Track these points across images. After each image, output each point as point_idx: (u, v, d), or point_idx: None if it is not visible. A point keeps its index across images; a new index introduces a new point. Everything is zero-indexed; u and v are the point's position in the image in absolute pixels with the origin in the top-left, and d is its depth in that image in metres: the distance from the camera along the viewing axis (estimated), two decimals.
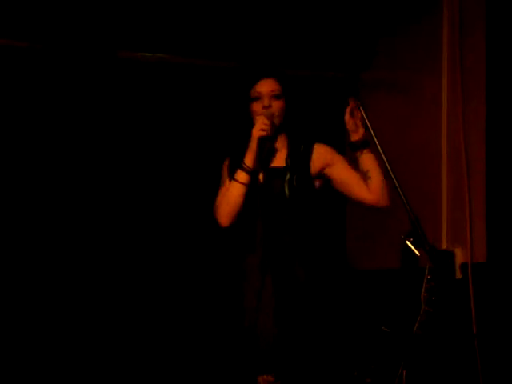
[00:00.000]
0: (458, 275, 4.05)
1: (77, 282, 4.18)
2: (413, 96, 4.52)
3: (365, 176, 3.09)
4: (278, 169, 3.13)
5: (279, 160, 3.15)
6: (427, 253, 2.79)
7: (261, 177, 3.12)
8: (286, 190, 3.08)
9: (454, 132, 4.20)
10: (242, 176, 3.07)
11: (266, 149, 3.11)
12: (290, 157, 3.13)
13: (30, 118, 4.21)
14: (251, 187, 3.09)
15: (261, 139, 3.05)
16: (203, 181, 4.09)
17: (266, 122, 3.05)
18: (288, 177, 3.09)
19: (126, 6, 4.20)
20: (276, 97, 3.12)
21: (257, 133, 3.04)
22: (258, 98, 3.12)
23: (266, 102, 3.10)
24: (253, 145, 3.05)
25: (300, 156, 3.14)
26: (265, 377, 3.04)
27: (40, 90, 4.23)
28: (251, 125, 3.10)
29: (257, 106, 3.12)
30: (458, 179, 4.13)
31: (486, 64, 4.01)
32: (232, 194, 3.08)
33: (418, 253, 2.78)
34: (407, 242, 2.79)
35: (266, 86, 3.13)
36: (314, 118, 4.87)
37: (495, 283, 3.87)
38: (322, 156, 3.15)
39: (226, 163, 3.22)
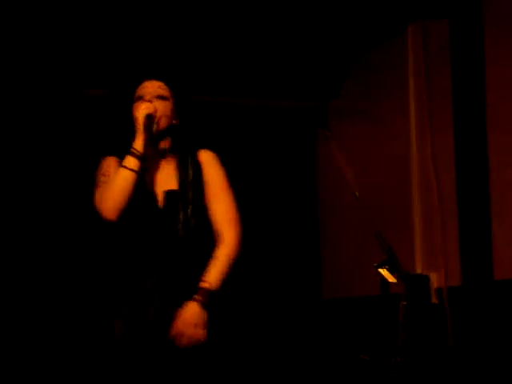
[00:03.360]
0: (434, 300, 4.05)
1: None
2: (381, 123, 4.55)
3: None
4: (174, 192, 2.90)
5: (173, 181, 2.92)
6: (401, 279, 2.80)
7: (160, 201, 2.91)
8: (180, 227, 2.87)
9: (423, 157, 4.22)
10: (130, 161, 2.80)
11: (154, 132, 2.84)
12: (180, 178, 2.91)
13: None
14: (151, 211, 2.87)
15: (147, 119, 2.81)
16: None
17: (148, 104, 2.84)
18: (182, 216, 2.87)
19: (91, 45, 4.22)
20: (160, 97, 2.90)
21: (141, 112, 2.81)
22: (142, 97, 2.90)
23: (147, 98, 2.88)
24: (139, 127, 2.81)
25: (191, 175, 2.92)
26: None
27: (11, 129, 4.25)
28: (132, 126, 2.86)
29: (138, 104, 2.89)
30: (430, 204, 4.15)
31: (452, 89, 4.05)
32: (118, 181, 2.80)
33: (390, 280, 2.78)
34: (380, 270, 2.80)
35: (149, 87, 2.92)
36: (282, 150, 4.90)
37: (471, 307, 3.88)
38: (205, 165, 2.95)
39: (104, 162, 2.94)
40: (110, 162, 2.93)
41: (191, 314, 2.78)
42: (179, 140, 2.95)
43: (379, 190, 4.38)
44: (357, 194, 2.74)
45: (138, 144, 2.81)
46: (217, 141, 4.14)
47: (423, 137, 4.21)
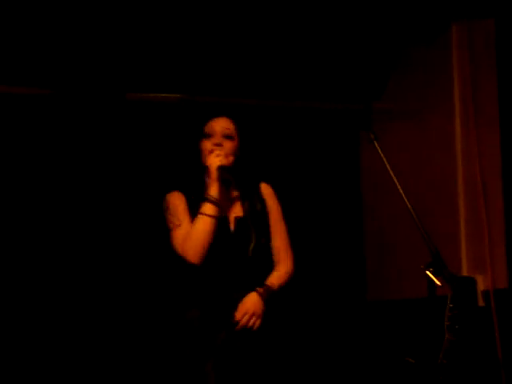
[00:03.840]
0: (481, 303, 4.01)
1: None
2: (425, 125, 4.52)
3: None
4: (244, 218, 3.19)
5: (240, 208, 3.22)
6: (447, 281, 2.78)
7: (232, 225, 3.16)
8: (250, 249, 3.16)
9: (469, 158, 4.19)
10: (209, 208, 3.07)
11: (226, 179, 3.13)
12: (245, 206, 3.21)
13: (41, 163, 4.27)
14: (224, 235, 3.12)
15: (220, 168, 3.08)
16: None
17: (219, 152, 3.10)
18: (252, 239, 3.16)
19: (130, 49, 4.26)
20: (228, 137, 3.16)
21: (214, 162, 3.08)
22: (211, 136, 3.16)
23: (217, 139, 3.15)
24: (213, 175, 3.08)
25: (255, 204, 3.22)
26: None
27: (51, 135, 4.29)
28: (199, 160, 3.16)
29: (208, 144, 3.16)
30: (476, 205, 4.11)
31: (498, 90, 4.01)
32: (200, 228, 3.07)
33: (437, 282, 2.76)
34: (427, 272, 2.78)
35: (219, 125, 3.18)
36: (325, 152, 4.89)
37: None
38: (266, 197, 3.25)
39: (172, 199, 3.19)
40: (176, 200, 3.19)
41: (251, 303, 3.08)
42: (242, 171, 3.22)
43: (424, 192, 4.35)
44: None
45: (214, 191, 3.08)
46: (260, 143, 4.17)
47: (468, 139, 4.18)
